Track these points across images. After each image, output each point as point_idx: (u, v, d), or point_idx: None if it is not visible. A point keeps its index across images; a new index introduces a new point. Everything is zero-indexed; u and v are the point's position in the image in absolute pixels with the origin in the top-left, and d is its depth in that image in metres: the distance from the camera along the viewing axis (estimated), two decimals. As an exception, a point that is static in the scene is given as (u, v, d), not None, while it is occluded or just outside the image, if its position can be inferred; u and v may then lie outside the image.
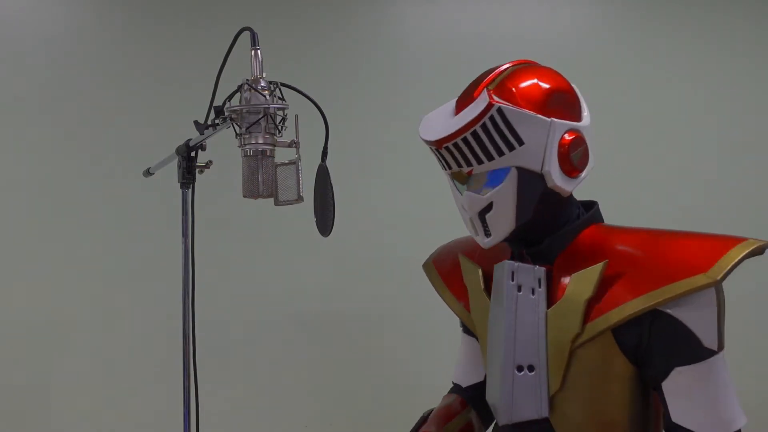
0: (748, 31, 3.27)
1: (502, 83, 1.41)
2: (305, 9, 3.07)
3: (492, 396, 1.53)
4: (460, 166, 1.43)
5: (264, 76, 1.52)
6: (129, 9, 2.98)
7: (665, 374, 1.37)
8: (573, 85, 1.48)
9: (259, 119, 1.50)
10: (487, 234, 1.46)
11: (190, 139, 1.73)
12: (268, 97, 1.50)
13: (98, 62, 2.94)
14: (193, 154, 1.74)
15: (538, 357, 1.45)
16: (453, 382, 1.83)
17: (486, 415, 1.73)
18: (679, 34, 3.24)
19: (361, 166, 3.02)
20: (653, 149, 3.19)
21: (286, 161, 1.58)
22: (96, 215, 2.91)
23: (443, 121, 1.45)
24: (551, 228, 1.47)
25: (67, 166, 2.90)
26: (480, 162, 1.40)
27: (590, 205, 1.55)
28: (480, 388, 1.73)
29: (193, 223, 1.77)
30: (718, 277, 1.30)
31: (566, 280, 1.44)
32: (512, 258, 1.53)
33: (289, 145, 1.56)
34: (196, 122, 1.66)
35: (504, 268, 1.47)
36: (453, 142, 1.40)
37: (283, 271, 3.00)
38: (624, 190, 3.08)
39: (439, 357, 3.04)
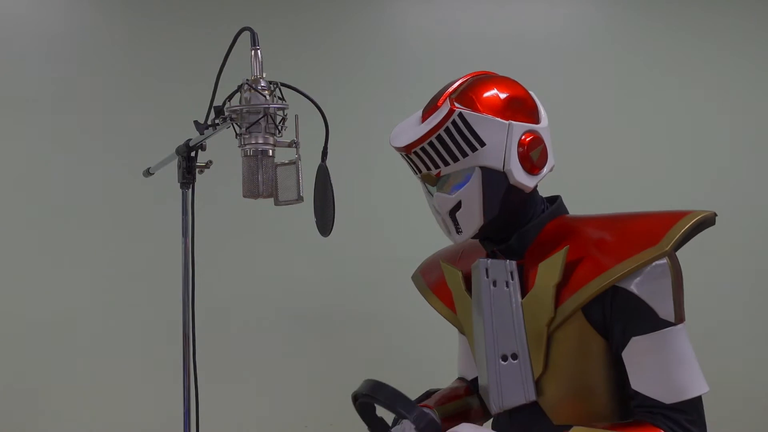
0: (747, 30, 3.27)
1: (463, 92, 1.54)
2: (305, 9, 3.07)
3: (482, 387, 1.64)
4: (428, 168, 1.56)
5: (264, 76, 1.52)
6: (129, 9, 2.98)
7: (624, 344, 1.47)
8: (531, 92, 1.60)
9: (259, 119, 1.50)
10: (459, 231, 1.58)
11: (190, 139, 1.73)
12: (268, 97, 1.50)
13: (98, 62, 2.94)
14: (193, 154, 1.74)
15: (520, 345, 1.55)
16: (459, 377, 1.94)
17: None
18: (678, 33, 3.25)
19: (361, 166, 3.02)
20: (651, 148, 3.19)
21: (286, 161, 1.58)
22: (96, 215, 2.91)
23: (410, 130, 1.58)
24: (518, 224, 1.58)
25: (67, 166, 2.90)
26: (446, 163, 1.53)
27: (555, 200, 1.65)
28: None
29: (193, 223, 1.77)
30: (667, 248, 1.42)
31: (535, 270, 1.54)
32: (487, 257, 1.64)
33: (289, 145, 1.57)
34: (196, 122, 1.66)
35: (479, 266, 1.60)
36: (420, 146, 1.54)
37: (283, 271, 3.00)
38: (622, 189, 3.08)
39: (439, 356, 3.03)
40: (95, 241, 2.90)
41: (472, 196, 1.53)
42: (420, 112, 1.61)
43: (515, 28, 3.16)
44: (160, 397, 2.72)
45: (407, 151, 1.57)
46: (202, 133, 1.65)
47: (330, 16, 3.08)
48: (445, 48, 3.11)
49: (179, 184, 1.76)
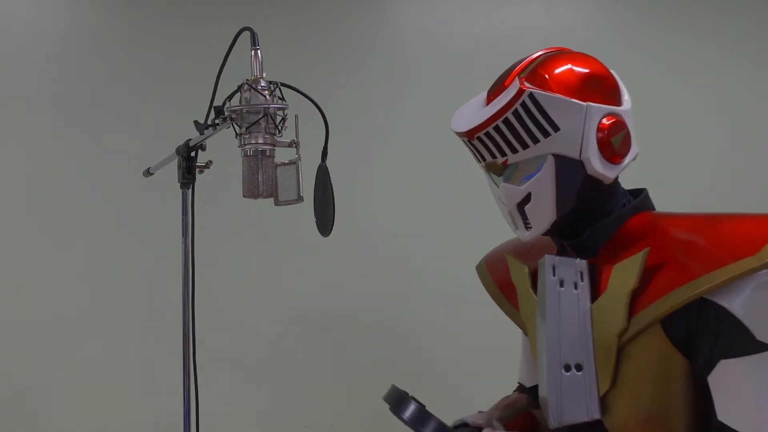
0: (747, 30, 3.27)
1: (534, 70, 1.38)
2: (305, 9, 3.07)
3: (542, 397, 1.46)
4: (494, 156, 1.39)
5: (264, 76, 1.52)
6: (129, 9, 2.98)
7: (710, 367, 1.28)
8: (611, 70, 1.44)
9: (259, 119, 1.51)
10: (528, 227, 1.41)
11: (190, 139, 1.73)
12: (268, 97, 1.50)
13: (98, 62, 2.94)
14: (193, 154, 1.74)
15: (586, 355, 1.37)
16: (518, 382, 1.76)
17: None
18: (678, 32, 3.24)
19: (361, 166, 3.01)
20: (650, 148, 3.19)
21: (286, 161, 1.57)
22: (96, 215, 2.91)
23: (474, 112, 1.41)
24: (595, 219, 1.41)
25: (67, 166, 2.90)
26: (514, 151, 1.36)
27: (639, 194, 1.47)
28: None
29: (193, 223, 1.77)
30: None
31: (609, 271, 1.37)
32: (558, 253, 1.46)
33: (289, 145, 1.56)
34: (196, 122, 1.66)
35: (545, 262, 1.42)
36: (485, 131, 1.37)
37: (283, 271, 3.00)
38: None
39: (439, 357, 3.04)
40: (95, 241, 2.90)
41: (543, 187, 1.36)
42: (484, 94, 1.46)
43: (515, 28, 3.16)
44: (160, 397, 2.71)
45: (470, 136, 1.40)
46: (202, 133, 1.65)
47: (330, 16, 3.08)
48: (445, 48, 3.11)
49: (179, 184, 1.76)
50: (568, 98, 1.33)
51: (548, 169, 1.36)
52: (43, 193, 2.88)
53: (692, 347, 1.30)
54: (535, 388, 1.64)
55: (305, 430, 3.00)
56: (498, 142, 1.37)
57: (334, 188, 1.58)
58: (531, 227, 1.41)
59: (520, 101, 1.33)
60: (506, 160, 1.38)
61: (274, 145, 1.54)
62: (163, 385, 2.66)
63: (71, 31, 2.95)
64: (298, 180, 1.56)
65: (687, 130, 3.22)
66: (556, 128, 1.33)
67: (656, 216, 1.42)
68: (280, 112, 1.53)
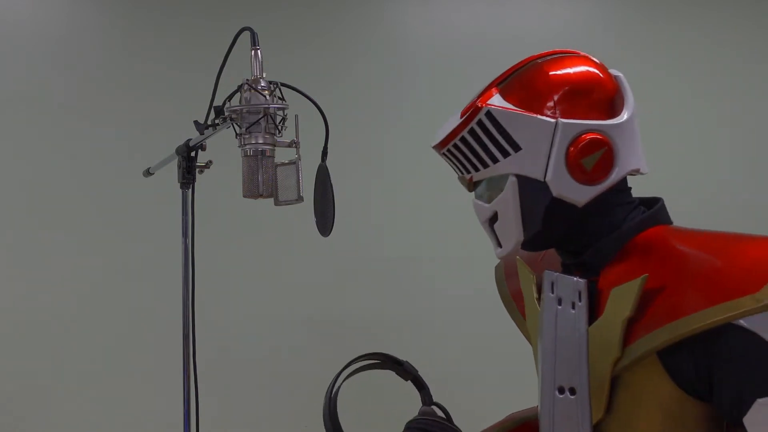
0: (750, 30, 3.27)
1: (513, 80, 1.30)
2: (305, 9, 3.07)
3: (539, 418, 1.37)
4: (461, 172, 1.34)
5: (264, 76, 1.52)
6: (129, 9, 2.98)
7: (743, 407, 1.15)
8: (616, 77, 1.36)
9: (259, 119, 1.51)
10: (499, 244, 1.35)
11: (190, 139, 1.73)
12: (268, 97, 1.50)
13: (98, 62, 2.94)
14: (193, 154, 1.75)
15: (580, 379, 1.28)
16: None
17: None
18: (679, 33, 3.24)
19: (361, 166, 3.02)
20: (651, 148, 3.18)
21: (286, 161, 1.58)
22: (96, 215, 2.91)
23: (446, 124, 1.36)
24: (598, 234, 1.30)
25: (68, 166, 2.90)
26: (476, 169, 1.30)
27: (652, 205, 1.35)
28: None
29: (193, 223, 1.77)
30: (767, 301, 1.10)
31: (608, 294, 1.26)
32: (563, 268, 1.38)
33: (289, 145, 1.57)
34: (196, 122, 1.66)
35: (545, 278, 1.34)
36: (446, 148, 1.32)
37: (282, 271, 3.00)
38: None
39: (438, 357, 3.03)
40: (95, 241, 2.90)
41: (507, 208, 1.29)
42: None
43: (515, 28, 3.16)
44: (160, 398, 2.71)
45: (437, 150, 1.35)
46: (202, 133, 1.65)
47: (330, 16, 3.08)
48: (444, 48, 3.11)
49: (179, 184, 1.77)
50: (532, 115, 1.25)
51: (510, 190, 1.28)
52: (43, 193, 2.88)
53: (703, 382, 1.19)
54: None
55: (305, 430, 3.00)
56: (460, 159, 1.31)
57: (334, 188, 1.58)
58: (501, 245, 1.35)
59: (476, 120, 1.26)
60: (471, 177, 1.33)
61: (274, 145, 1.54)
62: (163, 385, 2.66)
63: (71, 31, 2.95)
64: (298, 180, 1.56)
65: (689, 129, 3.21)
66: (516, 148, 1.25)
67: (668, 232, 1.29)
68: (280, 112, 1.53)
